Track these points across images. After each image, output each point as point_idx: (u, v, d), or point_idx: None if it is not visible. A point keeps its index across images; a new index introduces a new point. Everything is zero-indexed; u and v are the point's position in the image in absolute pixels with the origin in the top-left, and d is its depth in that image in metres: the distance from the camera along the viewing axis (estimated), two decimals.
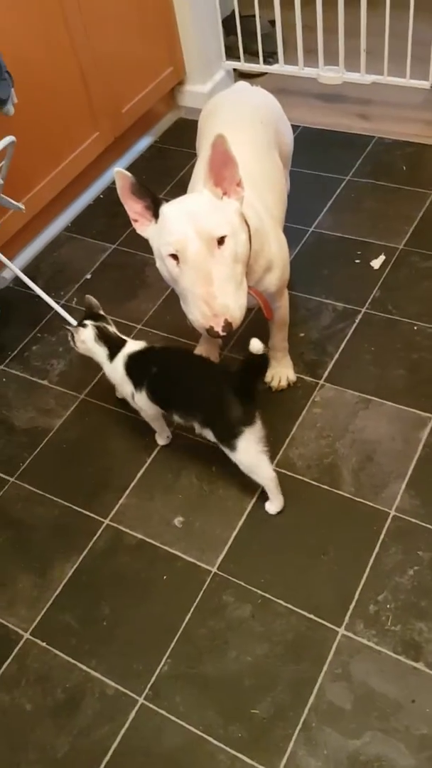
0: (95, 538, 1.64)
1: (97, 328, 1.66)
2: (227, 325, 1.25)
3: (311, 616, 1.45)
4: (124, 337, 1.68)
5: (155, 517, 1.65)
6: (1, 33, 1.70)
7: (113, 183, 2.59)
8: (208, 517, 1.63)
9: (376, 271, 2.10)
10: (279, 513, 1.61)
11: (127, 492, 1.71)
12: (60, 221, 2.46)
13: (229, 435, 1.51)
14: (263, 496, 1.63)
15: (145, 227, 1.35)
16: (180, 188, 2.38)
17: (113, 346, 1.65)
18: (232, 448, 1.53)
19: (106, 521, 1.67)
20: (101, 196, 2.57)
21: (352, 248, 2.18)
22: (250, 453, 1.52)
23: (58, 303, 2.17)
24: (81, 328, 1.66)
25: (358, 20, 2.41)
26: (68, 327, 1.72)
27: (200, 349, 1.93)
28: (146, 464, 1.76)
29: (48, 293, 2.17)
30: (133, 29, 2.42)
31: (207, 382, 1.56)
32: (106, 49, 2.31)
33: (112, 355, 1.65)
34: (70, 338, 1.70)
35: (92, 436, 1.85)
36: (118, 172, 1.30)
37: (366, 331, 1.95)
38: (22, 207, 2.00)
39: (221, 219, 1.26)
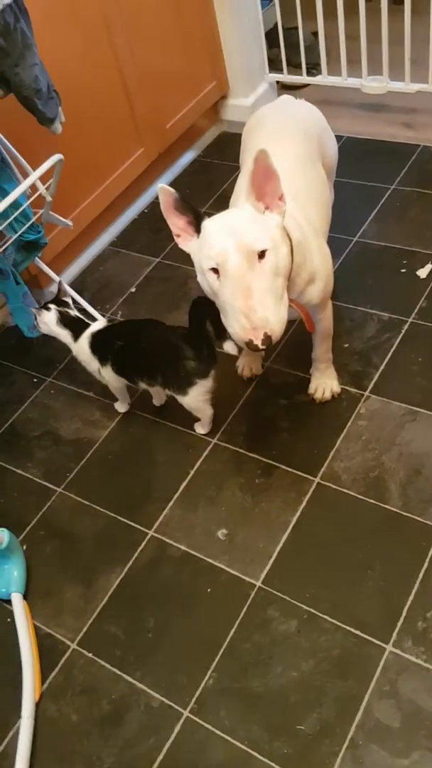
0: (140, 549, 1.65)
1: (60, 312, 1.80)
2: (267, 338, 1.24)
3: (358, 632, 1.43)
4: (87, 321, 1.82)
5: (198, 529, 1.66)
6: (48, 53, 1.74)
7: (157, 198, 2.61)
8: (251, 530, 1.63)
9: (423, 281, 2.06)
10: (324, 527, 1.59)
11: (171, 503, 1.72)
12: (105, 236, 2.50)
13: (184, 384, 1.69)
14: (308, 510, 1.62)
15: (187, 242, 1.36)
16: (223, 202, 2.39)
17: (76, 328, 1.80)
18: (184, 393, 1.70)
19: (151, 532, 1.68)
20: (146, 210, 2.60)
21: (397, 257, 2.15)
22: (197, 399, 1.71)
23: (103, 316, 2.20)
24: (44, 311, 1.81)
25: (401, 29, 2.39)
26: (32, 309, 1.86)
27: (242, 361, 1.94)
28: (189, 475, 1.76)
29: (94, 307, 2.21)
30: (177, 45, 2.45)
31: (164, 344, 1.69)
32: (149, 66, 2.35)
33: (76, 336, 1.80)
34: (34, 320, 1.85)
35: (136, 447, 1.87)
36: (162, 188, 1.32)
37: (413, 341, 1.92)
38: (70, 224, 2.04)
39: (262, 233, 1.27)
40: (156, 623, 1.53)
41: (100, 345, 1.78)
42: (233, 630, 1.48)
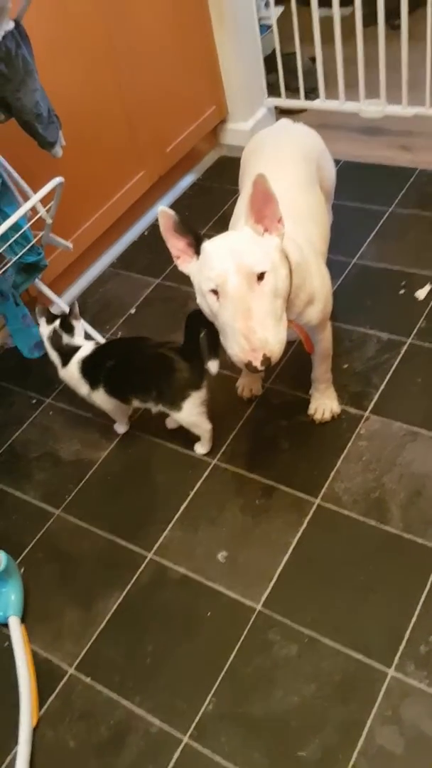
0: (139, 572, 1.64)
1: (55, 332, 1.80)
2: (266, 359, 1.24)
3: (360, 656, 1.41)
4: (77, 345, 1.81)
5: (199, 551, 1.64)
6: (50, 78, 1.77)
7: (158, 220, 2.64)
8: (252, 551, 1.61)
9: (422, 302, 2.07)
10: (325, 549, 1.58)
11: (171, 525, 1.71)
12: (106, 258, 2.52)
13: (177, 398, 1.68)
14: (308, 532, 1.61)
15: (187, 264, 1.37)
16: (222, 224, 2.41)
17: (66, 354, 1.80)
18: (178, 408, 1.69)
19: (150, 555, 1.66)
20: (146, 233, 2.62)
21: (396, 279, 2.16)
22: (192, 413, 1.70)
23: (104, 337, 2.21)
24: (44, 321, 1.81)
25: (398, 53, 2.42)
26: (39, 306, 1.85)
27: (242, 381, 1.94)
28: (189, 497, 1.76)
29: (94, 327, 2.22)
30: (177, 70, 2.49)
31: (156, 358, 1.69)
32: (150, 91, 2.38)
33: (65, 362, 1.80)
34: (40, 311, 1.84)
35: (136, 468, 1.86)
36: (162, 211, 1.33)
37: (412, 362, 1.92)
38: (70, 245, 2.05)
39: (261, 255, 1.27)
40: (155, 647, 1.51)
41: (90, 369, 1.78)
42: (233, 654, 1.46)
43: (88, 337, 1.87)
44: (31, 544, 1.75)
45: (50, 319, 1.83)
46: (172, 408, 1.72)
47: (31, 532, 1.78)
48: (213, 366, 1.65)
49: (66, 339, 1.80)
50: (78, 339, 1.82)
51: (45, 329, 1.82)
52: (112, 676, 1.49)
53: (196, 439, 1.82)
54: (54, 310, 2.31)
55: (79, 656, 1.53)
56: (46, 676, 1.52)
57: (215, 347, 1.62)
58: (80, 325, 1.84)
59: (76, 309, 1.85)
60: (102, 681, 1.49)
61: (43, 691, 1.49)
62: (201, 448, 1.83)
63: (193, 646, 1.50)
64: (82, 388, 1.81)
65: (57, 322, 1.81)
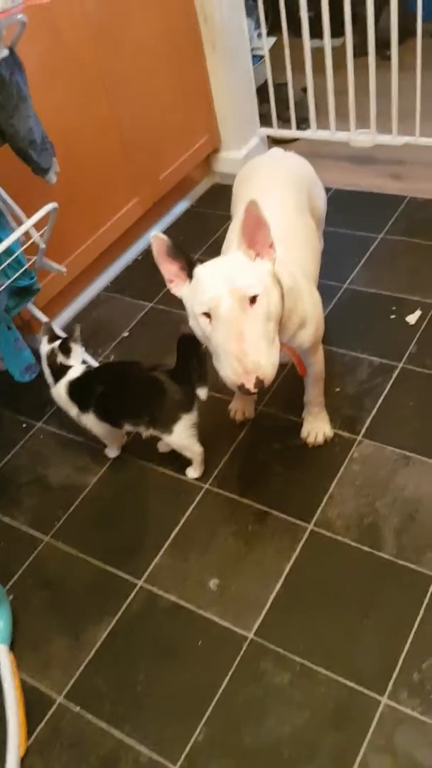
0: (129, 600, 1.61)
1: (53, 351, 1.80)
2: (259, 382, 1.25)
3: (352, 684, 1.39)
4: (68, 365, 1.80)
5: (190, 579, 1.62)
6: (45, 105, 1.79)
7: (151, 244, 2.66)
8: (244, 579, 1.60)
9: (413, 327, 2.09)
10: (318, 576, 1.57)
11: (162, 552, 1.69)
12: (100, 282, 2.53)
13: (169, 420, 1.68)
14: (301, 558, 1.60)
15: (179, 287, 1.37)
16: (215, 250, 2.43)
17: (58, 373, 1.80)
18: (169, 431, 1.69)
19: (140, 582, 1.64)
20: (139, 257, 2.64)
21: (387, 304, 2.18)
22: (183, 436, 1.70)
23: (96, 360, 2.20)
24: (45, 339, 1.82)
25: (388, 83, 2.47)
26: (44, 322, 1.88)
27: (234, 405, 1.93)
28: (181, 523, 1.74)
29: (87, 351, 2.21)
30: (171, 100, 2.53)
31: (147, 382, 1.69)
32: (144, 120, 2.41)
33: (55, 381, 1.80)
34: (45, 329, 1.86)
35: (127, 494, 1.84)
36: (155, 236, 1.34)
37: (404, 386, 1.92)
38: (64, 270, 2.06)
39: (253, 279, 1.28)
40: (145, 676, 1.49)
41: (77, 393, 1.78)
42: (225, 683, 1.44)
43: (84, 363, 1.87)
44: (19, 571, 1.73)
45: (52, 338, 1.84)
46: (164, 431, 1.71)
47: (20, 559, 1.75)
48: (202, 393, 1.66)
49: (60, 359, 1.81)
50: (72, 360, 1.82)
51: (45, 347, 1.83)
52: (101, 705, 1.46)
53: (188, 463, 1.81)
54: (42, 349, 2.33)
55: (69, 685, 1.50)
56: (34, 704, 1.48)
57: (204, 373, 1.64)
58: (79, 350, 1.84)
59: (78, 333, 1.85)
60: (91, 710, 1.46)
61: (31, 720, 1.46)
62: (193, 472, 1.82)
63: (183, 675, 1.47)
64: (71, 409, 1.81)
65: (57, 343, 1.82)
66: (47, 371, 1.83)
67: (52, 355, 1.81)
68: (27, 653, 1.57)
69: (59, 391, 1.81)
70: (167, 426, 1.70)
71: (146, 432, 1.75)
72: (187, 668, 1.48)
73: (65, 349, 1.82)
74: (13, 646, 1.58)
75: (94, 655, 1.54)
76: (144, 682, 1.48)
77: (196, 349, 1.62)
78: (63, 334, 1.87)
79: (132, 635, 1.56)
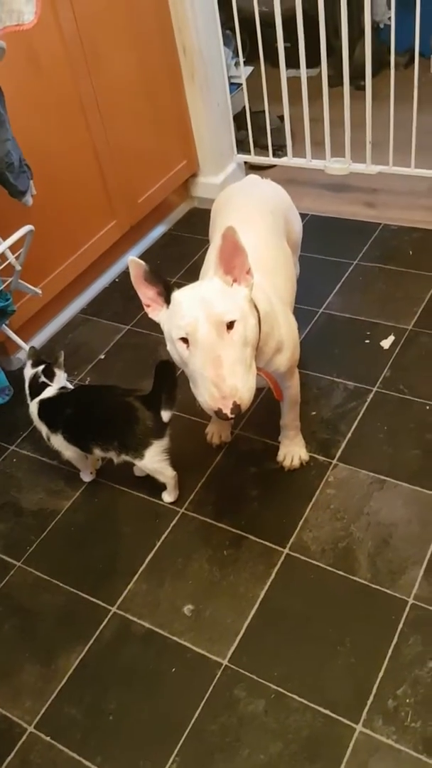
0: (102, 627, 1.59)
1: (35, 375, 1.81)
2: (236, 407, 1.25)
3: (327, 711, 1.38)
4: (45, 383, 1.81)
5: (164, 605, 1.61)
6: (23, 128, 1.80)
7: (128, 268, 2.66)
8: (219, 604, 1.58)
9: (386, 351, 2.11)
10: (293, 601, 1.56)
11: (136, 577, 1.67)
12: (76, 304, 2.52)
13: (140, 446, 1.68)
14: (276, 583, 1.59)
15: (157, 312, 1.38)
16: (192, 273, 2.45)
17: (35, 392, 1.81)
18: (140, 456, 1.69)
19: (113, 609, 1.62)
20: (116, 280, 2.64)
21: (361, 329, 2.20)
22: (154, 460, 1.70)
23: (71, 383, 2.19)
24: (30, 362, 1.84)
25: (363, 114, 2.53)
26: (32, 353, 1.89)
27: (211, 428, 1.93)
28: (156, 547, 1.72)
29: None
30: (149, 125, 2.55)
31: (120, 407, 1.70)
32: (123, 144, 2.43)
33: (31, 398, 1.82)
34: (30, 353, 1.88)
35: (101, 518, 1.82)
36: (132, 261, 1.34)
37: (378, 410, 1.94)
38: (39, 292, 2.06)
39: (231, 305, 1.29)
40: (118, 705, 1.46)
41: (47, 413, 1.78)
42: (198, 711, 1.42)
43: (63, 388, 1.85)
44: None
45: (37, 363, 1.84)
46: (135, 456, 1.71)
47: None
48: (165, 415, 1.67)
49: (42, 380, 1.81)
50: (52, 381, 1.81)
51: (28, 371, 1.83)
52: (73, 735, 1.43)
53: (164, 487, 1.80)
54: (21, 355, 2.31)
55: (39, 714, 1.47)
56: (4, 734, 1.45)
57: (172, 398, 1.66)
58: (62, 375, 1.84)
59: (62, 359, 1.85)
60: (62, 740, 1.43)
61: (0, 751, 1.42)
62: (168, 497, 1.81)
63: (157, 703, 1.45)
64: (42, 428, 1.81)
65: (41, 368, 1.82)
66: (29, 396, 1.82)
67: (34, 381, 1.81)
68: None
69: (31, 409, 1.81)
70: (138, 451, 1.70)
71: (117, 458, 1.74)
72: (161, 696, 1.46)
73: (49, 374, 1.81)
74: None
75: (65, 683, 1.51)
76: (116, 710, 1.45)
77: (172, 375, 1.62)
78: (48, 360, 1.86)
79: (105, 663, 1.53)
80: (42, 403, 1.79)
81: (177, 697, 1.45)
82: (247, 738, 1.37)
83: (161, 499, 1.82)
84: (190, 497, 1.82)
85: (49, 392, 1.80)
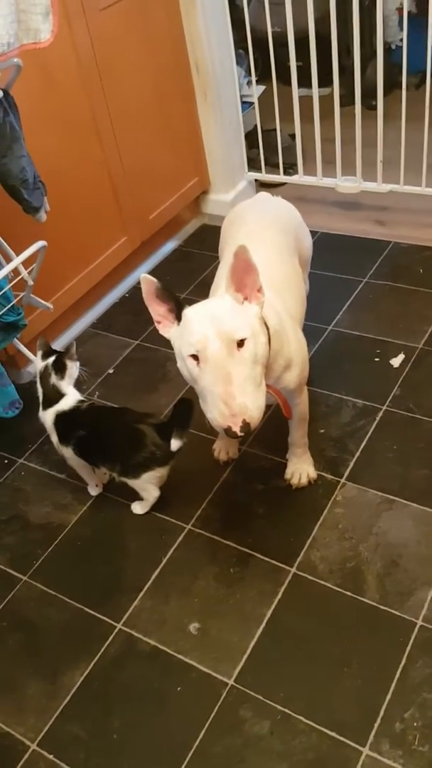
0: (107, 643, 1.58)
1: (46, 368, 1.78)
2: (245, 425, 1.25)
3: (333, 733, 1.37)
4: (61, 392, 1.79)
5: (170, 623, 1.59)
6: (36, 145, 1.81)
7: (139, 283, 2.67)
8: (225, 623, 1.57)
9: (396, 370, 2.11)
10: (300, 621, 1.55)
11: (142, 594, 1.66)
12: (86, 318, 2.53)
13: (140, 469, 1.70)
14: (283, 603, 1.58)
15: (167, 329, 1.38)
16: (202, 289, 2.46)
17: (49, 397, 1.78)
18: (136, 477, 1.71)
19: (119, 625, 1.61)
20: (126, 295, 2.65)
21: (371, 346, 2.20)
22: (146, 481, 1.73)
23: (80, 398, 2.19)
24: (39, 354, 1.81)
25: (374, 132, 2.54)
26: (39, 341, 1.84)
27: (218, 444, 1.93)
28: (162, 563, 1.72)
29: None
30: (162, 143, 2.58)
31: (132, 432, 1.70)
32: (135, 161, 2.45)
33: (45, 406, 1.79)
34: (40, 345, 1.83)
35: (107, 533, 1.82)
36: (144, 278, 1.35)
37: (387, 429, 1.93)
38: (50, 306, 2.07)
39: (242, 322, 1.29)
40: (122, 724, 1.45)
41: (62, 426, 1.78)
42: (203, 731, 1.40)
43: (77, 383, 1.85)
44: None
45: (47, 354, 1.82)
46: (132, 477, 1.73)
47: None
48: (175, 444, 1.67)
49: (54, 380, 1.79)
50: (66, 384, 1.80)
51: (39, 363, 1.82)
52: (76, 753, 1.42)
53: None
54: (31, 369, 2.31)
55: (43, 731, 1.46)
56: (6, 751, 1.44)
57: (185, 430, 1.67)
58: (75, 367, 1.82)
59: (74, 349, 1.83)
60: (65, 758, 1.41)
61: None
62: (139, 509, 1.82)
63: (161, 723, 1.44)
64: (53, 435, 1.81)
65: (51, 359, 1.80)
66: (39, 390, 1.81)
67: (45, 373, 1.79)
68: (0, 697, 1.53)
69: (46, 417, 1.80)
70: (137, 473, 1.72)
71: (118, 478, 1.76)
72: (165, 715, 1.44)
73: (59, 366, 1.79)
74: None
75: (69, 700, 1.50)
76: (120, 729, 1.44)
77: (190, 412, 1.65)
78: (59, 350, 1.85)
79: (109, 680, 1.52)
80: (58, 415, 1.78)
81: (182, 716, 1.44)
82: (253, 759, 1.35)
83: (168, 515, 1.81)
84: (196, 513, 1.81)
85: (65, 404, 1.79)
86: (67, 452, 1.79)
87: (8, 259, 1.87)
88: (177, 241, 2.87)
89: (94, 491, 1.91)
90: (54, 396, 1.79)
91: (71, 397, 1.80)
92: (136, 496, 1.84)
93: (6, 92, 1.60)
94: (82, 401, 1.80)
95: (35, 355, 1.86)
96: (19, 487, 1.99)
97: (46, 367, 1.80)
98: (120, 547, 1.78)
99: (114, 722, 1.45)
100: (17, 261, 1.71)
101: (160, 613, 1.62)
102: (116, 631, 1.60)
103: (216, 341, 1.26)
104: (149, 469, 1.71)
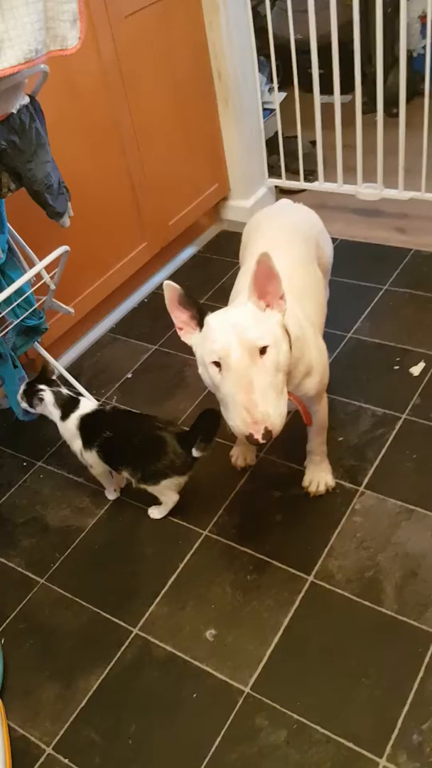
0: (123, 648, 1.58)
1: (54, 393, 1.80)
2: (267, 432, 1.25)
3: (350, 744, 1.35)
4: (76, 397, 1.82)
5: (186, 629, 1.59)
6: (61, 151, 1.83)
7: (158, 288, 2.69)
8: (241, 630, 1.57)
9: (416, 378, 2.09)
10: (317, 630, 1.54)
11: (158, 599, 1.66)
12: (105, 323, 2.54)
13: (160, 476, 1.71)
14: (300, 611, 1.57)
15: (190, 335, 1.38)
16: (220, 295, 2.46)
17: (67, 407, 1.80)
18: (155, 483, 1.73)
19: (135, 630, 1.61)
20: (146, 300, 2.66)
21: (390, 355, 2.19)
22: (165, 487, 1.74)
23: (98, 401, 2.20)
24: (42, 395, 1.80)
25: (396, 140, 2.53)
26: (27, 387, 1.83)
27: (236, 451, 1.93)
28: (179, 569, 1.72)
29: (90, 391, 2.22)
30: (183, 149, 2.58)
31: (155, 439, 1.70)
32: (156, 167, 2.46)
33: (65, 416, 1.79)
34: (21, 395, 1.83)
35: (124, 538, 1.82)
36: (168, 284, 1.35)
37: (407, 438, 1.92)
38: (72, 311, 2.08)
39: (264, 330, 1.29)
40: (137, 729, 1.45)
41: (87, 429, 1.78)
42: (219, 739, 1.40)
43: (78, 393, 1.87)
44: (12, 614, 1.70)
45: (48, 383, 1.83)
46: (152, 485, 1.74)
47: (13, 601, 1.72)
48: (197, 452, 1.68)
49: (63, 392, 1.82)
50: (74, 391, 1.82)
51: (48, 397, 1.80)
52: (91, 758, 1.42)
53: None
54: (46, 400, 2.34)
55: (58, 735, 1.46)
56: (22, 754, 1.44)
57: (210, 440, 1.68)
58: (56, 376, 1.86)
59: (57, 366, 1.91)
60: (80, 763, 1.41)
61: None
62: (156, 513, 1.83)
63: (176, 730, 1.43)
64: (76, 442, 1.80)
65: (47, 388, 1.81)
66: (57, 412, 1.80)
67: (59, 396, 1.81)
68: (16, 701, 1.53)
69: (68, 425, 1.79)
70: (157, 480, 1.72)
71: (136, 485, 1.76)
72: (181, 722, 1.44)
73: (52, 383, 1.83)
74: (1, 693, 1.54)
75: (85, 704, 1.50)
76: (135, 735, 1.44)
77: (216, 422, 1.64)
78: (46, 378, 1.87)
79: (125, 685, 1.52)
80: (82, 418, 1.78)
81: (197, 723, 1.43)
82: None
83: (185, 521, 1.81)
84: (213, 520, 1.81)
85: (86, 407, 1.80)
86: (91, 457, 1.79)
87: (31, 263, 1.88)
88: (196, 247, 2.88)
89: (112, 496, 1.91)
90: (71, 403, 1.80)
91: (89, 402, 1.82)
92: (153, 501, 1.84)
93: (32, 98, 1.61)
94: (104, 404, 1.82)
95: (51, 380, 1.86)
96: (37, 489, 2.00)
97: (54, 394, 1.81)
98: (137, 552, 1.78)
99: (129, 728, 1.45)
100: (40, 266, 1.72)
101: (176, 619, 1.61)
102: (132, 636, 1.60)
103: (238, 349, 1.26)
104: (168, 477, 1.71)
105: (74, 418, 1.79)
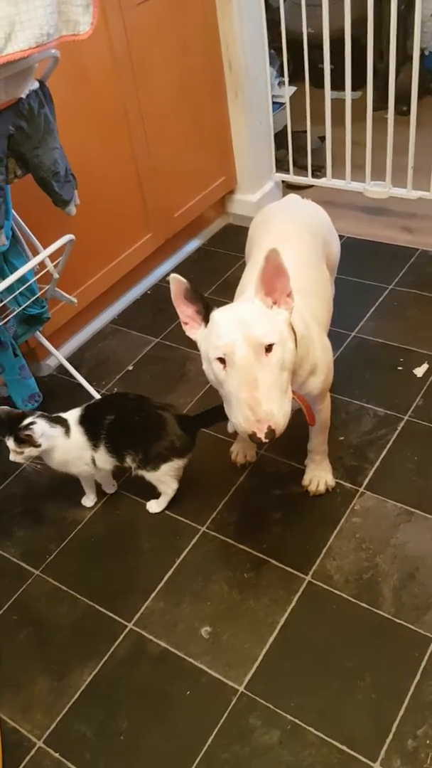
0: (117, 642, 1.57)
1: (38, 416, 1.68)
2: (270, 431, 1.23)
3: (344, 747, 1.34)
4: (58, 415, 1.73)
5: (181, 625, 1.58)
6: (69, 139, 1.80)
7: (161, 280, 2.67)
8: (237, 629, 1.55)
9: (419, 379, 2.08)
10: (313, 630, 1.53)
11: (153, 595, 1.65)
12: (107, 314, 2.52)
13: (160, 460, 1.69)
14: (297, 611, 1.56)
15: (195, 330, 1.36)
16: (225, 289, 2.44)
17: (60, 422, 1.71)
18: (155, 469, 1.70)
19: (130, 625, 1.60)
20: (148, 292, 2.64)
21: (394, 355, 2.17)
22: (165, 473, 1.72)
23: (98, 392, 2.19)
24: (33, 427, 1.64)
25: (406, 138, 2.51)
26: (19, 433, 1.65)
27: (236, 447, 1.91)
28: (175, 565, 1.70)
29: (90, 382, 2.20)
30: (191, 140, 2.56)
31: (155, 420, 1.69)
32: (163, 158, 2.44)
33: (67, 431, 1.70)
34: (12, 450, 1.67)
35: (121, 531, 1.81)
36: (174, 278, 1.33)
37: (409, 439, 1.91)
38: (74, 300, 2.06)
39: (270, 327, 1.27)
40: (129, 725, 1.43)
41: (89, 425, 1.71)
42: (211, 738, 1.39)
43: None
44: (6, 605, 1.68)
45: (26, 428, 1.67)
46: (151, 470, 1.71)
47: (7, 593, 1.71)
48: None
49: (47, 417, 1.70)
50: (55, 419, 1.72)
51: (41, 426, 1.67)
52: (82, 753, 1.41)
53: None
54: (51, 362, 2.31)
55: (49, 729, 1.45)
56: (12, 748, 1.43)
57: (206, 426, 1.70)
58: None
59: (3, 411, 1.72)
60: (71, 758, 1.40)
61: (8, 763, 1.40)
62: (155, 507, 1.81)
63: (169, 727, 1.42)
64: (86, 453, 1.71)
65: (37, 420, 1.67)
66: (57, 431, 1.69)
67: (50, 418, 1.71)
68: (8, 693, 1.52)
69: (74, 437, 1.70)
70: (156, 465, 1.70)
71: (135, 471, 1.73)
72: (173, 719, 1.43)
73: (24, 428, 1.66)
74: None
75: (77, 698, 1.49)
76: (127, 731, 1.43)
77: (219, 418, 1.63)
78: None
79: (118, 681, 1.51)
80: (81, 419, 1.72)
81: (190, 721, 1.42)
82: None
83: (182, 517, 1.80)
84: (211, 516, 1.80)
85: (76, 413, 1.73)
86: (101, 457, 1.72)
87: (35, 251, 1.86)
88: (201, 240, 2.85)
89: (110, 489, 1.89)
90: (61, 420, 1.71)
91: (73, 410, 1.74)
92: (151, 495, 1.83)
93: (42, 83, 1.59)
94: (88, 405, 1.77)
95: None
96: (34, 480, 1.98)
97: (44, 418, 1.69)
98: (133, 546, 1.77)
99: (121, 723, 1.44)
100: (45, 254, 1.70)
101: (171, 615, 1.60)
102: (127, 630, 1.59)
103: (243, 346, 1.25)
104: (168, 460, 1.69)
105: (74, 426, 1.71)
